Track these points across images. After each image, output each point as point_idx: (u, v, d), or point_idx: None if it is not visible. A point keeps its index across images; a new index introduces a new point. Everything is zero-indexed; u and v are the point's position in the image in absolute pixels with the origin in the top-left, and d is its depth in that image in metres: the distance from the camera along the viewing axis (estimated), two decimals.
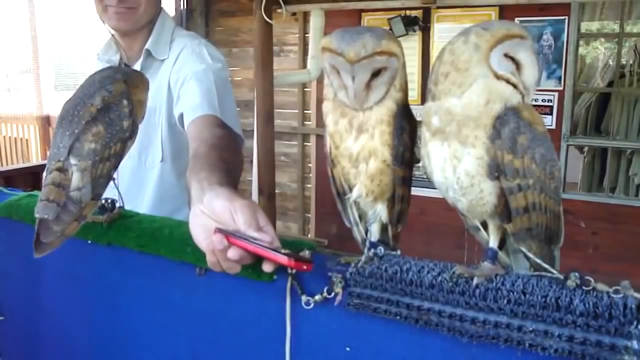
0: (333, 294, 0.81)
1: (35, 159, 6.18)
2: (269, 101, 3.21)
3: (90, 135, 0.95)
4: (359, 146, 0.83)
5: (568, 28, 3.69)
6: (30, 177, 2.98)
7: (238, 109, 1.53)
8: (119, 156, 1.01)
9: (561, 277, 0.70)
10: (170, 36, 1.50)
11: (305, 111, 4.71)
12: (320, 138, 4.29)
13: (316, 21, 3.43)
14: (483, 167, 0.74)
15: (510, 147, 0.73)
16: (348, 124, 0.84)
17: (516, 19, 3.73)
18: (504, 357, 0.70)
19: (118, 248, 1.06)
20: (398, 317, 0.76)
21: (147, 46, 1.47)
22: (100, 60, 1.54)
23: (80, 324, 1.17)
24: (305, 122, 4.73)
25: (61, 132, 0.96)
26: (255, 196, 3.32)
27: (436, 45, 3.99)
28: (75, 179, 0.93)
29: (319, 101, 3.35)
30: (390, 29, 3.92)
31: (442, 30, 3.98)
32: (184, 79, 1.39)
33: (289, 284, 0.85)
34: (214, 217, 0.81)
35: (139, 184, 1.50)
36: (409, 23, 3.99)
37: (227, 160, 1.05)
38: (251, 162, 3.44)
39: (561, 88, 3.76)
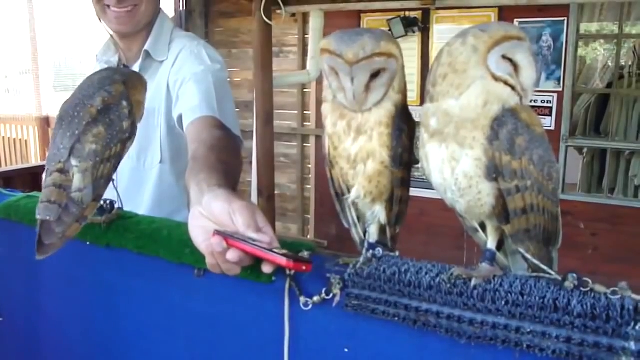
0: (331, 295, 0.81)
1: (34, 160, 6.18)
2: (268, 102, 3.22)
3: (91, 137, 0.95)
4: (357, 147, 0.83)
5: (567, 29, 3.69)
6: (29, 178, 2.97)
7: (237, 110, 1.53)
8: (119, 157, 1.01)
9: (559, 278, 0.70)
10: (169, 37, 1.50)
11: (305, 112, 4.71)
12: (319, 139, 4.29)
13: (315, 22, 3.44)
14: (481, 169, 0.74)
15: (508, 148, 0.73)
16: (347, 125, 0.84)
17: (515, 20, 3.74)
18: (502, 359, 0.70)
19: (117, 249, 1.06)
20: (396, 319, 0.76)
21: (146, 47, 1.47)
22: (99, 62, 1.54)
23: (79, 325, 1.17)
24: (305, 123, 4.73)
25: (61, 134, 0.96)
26: (254, 197, 3.32)
27: (435, 46, 4.00)
28: (77, 180, 0.93)
29: (319, 102, 3.36)
30: (390, 30, 3.93)
31: (442, 32, 3.98)
32: (183, 80, 1.39)
33: (287, 285, 0.85)
34: (213, 219, 0.81)
35: (138, 185, 1.50)
36: (408, 24, 4.00)
37: (226, 161, 1.05)
38: (250, 163, 3.44)
39: (560, 89, 3.77)
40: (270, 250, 0.76)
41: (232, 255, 0.77)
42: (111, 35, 1.52)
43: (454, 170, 0.76)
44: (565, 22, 3.69)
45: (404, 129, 0.83)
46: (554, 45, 3.73)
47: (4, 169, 5.04)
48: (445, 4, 3.72)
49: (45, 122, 6.22)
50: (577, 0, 3.51)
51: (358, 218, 0.95)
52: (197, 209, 0.84)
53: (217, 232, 0.79)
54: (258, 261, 0.79)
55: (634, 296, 0.65)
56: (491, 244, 0.80)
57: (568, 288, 0.68)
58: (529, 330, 0.67)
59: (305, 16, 4.34)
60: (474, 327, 0.70)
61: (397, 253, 0.86)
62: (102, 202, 1.06)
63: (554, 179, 0.78)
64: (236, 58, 4.84)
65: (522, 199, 0.75)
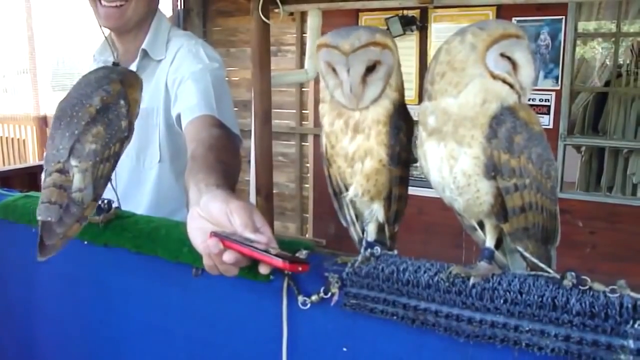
0: (329, 294, 0.81)
1: (32, 160, 6.17)
2: (266, 101, 3.21)
3: (91, 136, 0.95)
4: (355, 146, 0.83)
5: (565, 28, 3.70)
6: (27, 178, 2.97)
7: (236, 109, 1.53)
8: (118, 156, 1.01)
9: (558, 276, 0.70)
10: (166, 36, 1.50)
11: (303, 111, 4.71)
12: (318, 138, 4.29)
13: (313, 21, 3.43)
14: (479, 167, 0.74)
15: (507, 146, 0.73)
16: (344, 124, 0.84)
17: (513, 18, 3.74)
18: (500, 357, 0.70)
19: (114, 248, 1.06)
20: (395, 318, 0.76)
21: (143, 46, 1.47)
22: (97, 61, 1.53)
23: (77, 324, 1.17)
24: (303, 122, 4.73)
25: (60, 134, 0.95)
26: (253, 196, 3.31)
27: (434, 44, 4.00)
28: (77, 180, 0.93)
29: (317, 101, 3.35)
30: (388, 29, 3.92)
31: (440, 30, 3.99)
32: (181, 79, 1.39)
33: (285, 284, 0.85)
34: (211, 220, 0.81)
35: (137, 184, 1.49)
36: (407, 23, 4.00)
37: (224, 160, 1.05)
38: (249, 162, 3.43)
39: (558, 87, 3.77)
40: (267, 252, 0.75)
41: (228, 256, 0.77)
42: (109, 34, 1.52)
43: (453, 168, 0.75)
44: (563, 20, 3.69)
45: (402, 127, 0.83)
46: (552, 43, 3.73)
47: (1, 168, 5.04)
48: (443, 3, 3.73)
49: (43, 121, 6.21)
50: None
51: (356, 216, 0.95)
52: (195, 209, 0.83)
53: (214, 234, 0.78)
54: (256, 261, 0.79)
55: (633, 294, 0.65)
56: (489, 242, 0.80)
57: (566, 286, 0.68)
58: (527, 328, 0.67)
59: (303, 15, 4.34)
60: (473, 325, 0.70)
61: (396, 252, 0.86)
62: (99, 202, 1.06)
63: (553, 177, 0.78)
64: (234, 57, 4.83)
65: (520, 197, 0.75)
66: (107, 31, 1.51)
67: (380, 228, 0.91)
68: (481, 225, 0.82)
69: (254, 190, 3.32)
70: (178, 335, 1.01)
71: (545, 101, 3.79)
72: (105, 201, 1.08)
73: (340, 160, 0.86)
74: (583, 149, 4.51)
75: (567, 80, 3.75)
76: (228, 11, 4.87)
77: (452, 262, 0.77)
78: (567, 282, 0.69)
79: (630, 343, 0.62)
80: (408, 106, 0.86)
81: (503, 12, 3.73)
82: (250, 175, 3.43)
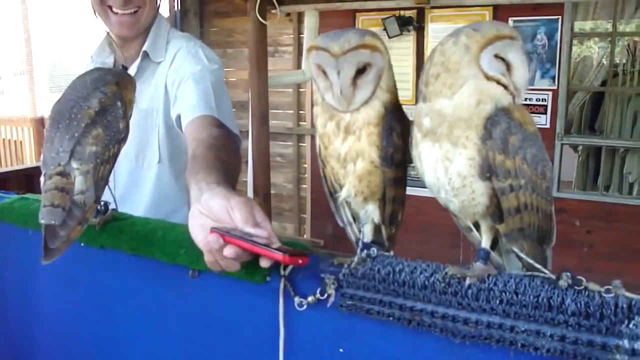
0: (326, 295, 0.81)
1: (29, 161, 6.15)
2: (263, 102, 3.22)
3: (91, 138, 0.95)
4: (347, 147, 0.84)
5: (561, 27, 3.71)
6: (24, 180, 2.96)
7: (233, 109, 1.53)
8: (116, 157, 1.01)
9: (553, 277, 0.71)
10: (166, 38, 1.50)
11: (300, 112, 4.71)
12: (315, 138, 4.29)
13: (310, 21, 3.44)
14: (475, 168, 0.74)
15: (502, 147, 0.73)
16: (335, 126, 0.84)
17: (510, 18, 3.75)
18: (496, 358, 0.70)
19: (111, 251, 1.06)
20: (391, 318, 0.76)
21: (144, 48, 1.46)
22: (94, 63, 1.53)
23: (74, 326, 1.17)
24: (300, 123, 4.73)
25: (59, 136, 0.95)
26: (250, 197, 3.32)
27: (430, 45, 4.00)
28: (79, 182, 0.93)
29: (314, 102, 3.36)
30: (385, 29, 3.93)
31: (437, 30, 3.99)
32: (181, 80, 1.39)
33: (282, 286, 0.85)
34: (212, 216, 0.82)
35: (136, 185, 1.50)
36: (403, 23, 4.00)
37: (224, 159, 1.06)
38: (246, 163, 3.43)
39: (555, 87, 3.78)
40: (267, 246, 0.76)
41: (229, 251, 0.77)
42: (107, 34, 1.51)
43: (448, 169, 0.76)
44: (560, 20, 3.70)
45: (395, 128, 0.83)
46: (549, 43, 3.74)
47: None
48: (440, 3, 3.74)
49: (40, 123, 6.19)
50: None
51: (353, 217, 0.95)
52: (196, 207, 0.84)
53: (214, 229, 0.79)
54: (253, 259, 0.80)
55: (628, 294, 0.66)
56: (485, 243, 0.80)
57: (562, 287, 0.69)
58: (523, 329, 0.67)
59: (300, 16, 4.34)
60: (469, 326, 0.70)
61: (392, 253, 0.86)
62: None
63: (548, 177, 0.78)
64: (231, 58, 4.83)
65: (515, 198, 0.75)
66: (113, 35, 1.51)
67: (377, 229, 0.91)
68: (477, 226, 0.82)
69: (251, 190, 3.33)
70: (175, 337, 1.01)
71: (542, 101, 3.80)
72: (102, 203, 1.08)
73: (333, 161, 0.86)
74: (580, 148, 4.52)
75: (564, 79, 3.76)
76: (225, 12, 4.87)
77: (450, 262, 0.77)
78: (562, 283, 0.69)
79: (625, 343, 0.62)
80: (405, 106, 0.86)
81: (500, 12, 3.74)
82: (248, 176, 3.43)
